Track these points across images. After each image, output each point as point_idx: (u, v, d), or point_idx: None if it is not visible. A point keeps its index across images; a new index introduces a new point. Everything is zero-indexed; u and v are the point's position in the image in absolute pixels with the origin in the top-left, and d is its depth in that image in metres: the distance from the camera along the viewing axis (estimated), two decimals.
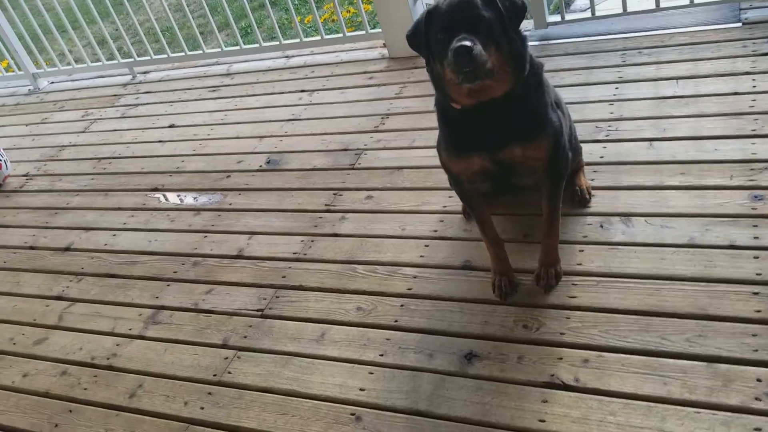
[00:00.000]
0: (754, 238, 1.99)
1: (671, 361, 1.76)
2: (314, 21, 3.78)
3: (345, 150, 3.00)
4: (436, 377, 1.93)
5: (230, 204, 2.92)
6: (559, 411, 1.74)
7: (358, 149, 2.97)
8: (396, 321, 2.14)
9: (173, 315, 2.45)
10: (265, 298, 2.39)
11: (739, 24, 2.84)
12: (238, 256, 2.62)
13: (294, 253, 2.54)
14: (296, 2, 5.57)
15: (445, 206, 2.50)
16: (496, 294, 2.10)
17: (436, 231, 2.42)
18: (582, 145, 2.33)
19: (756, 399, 1.61)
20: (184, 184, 3.16)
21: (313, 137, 3.16)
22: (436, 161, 2.67)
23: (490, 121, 1.86)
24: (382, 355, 2.04)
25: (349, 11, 4.99)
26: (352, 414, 1.91)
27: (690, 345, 1.78)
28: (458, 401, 1.84)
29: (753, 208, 2.07)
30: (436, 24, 1.76)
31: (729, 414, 1.61)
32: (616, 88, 2.77)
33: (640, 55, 2.90)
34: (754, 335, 1.75)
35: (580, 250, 2.15)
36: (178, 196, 3.09)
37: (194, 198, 3.04)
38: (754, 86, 2.51)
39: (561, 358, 1.86)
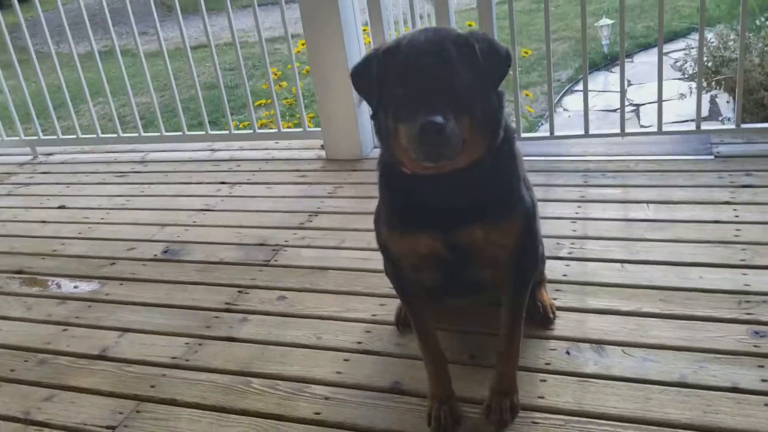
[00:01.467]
0: (762, 381, 1.56)
1: None
2: (248, 113, 3.42)
3: (261, 245, 2.51)
4: None
5: (107, 294, 2.34)
6: None
7: (276, 245, 2.49)
8: None
9: None
10: (121, 413, 1.78)
11: (711, 156, 2.62)
12: (100, 357, 2.02)
13: (173, 358, 1.96)
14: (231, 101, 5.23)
15: (374, 314, 2.01)
16: (432, 427, 1.57)
17: (360, 343, 1.91)
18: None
19: None
20: (57, 269, 2.57)
21: (226, 229, 2.67)
22: (369, 264, 2.25)
23: (447, 193, 1.44)
24: None
25: (290, 124, 4.69)
26: None
27: None
28: None
29: (755, 346, 1.67)
30: (395, 72, 1.36)
31: None
32: (579, 206, 2.44)
33: (604, 177, 2.62)
34: None
35: (542, 380, 1.68)
36: (46, 281, 2.50)
37: (60, 285, 2.45)
38: (737, 216, 2.22)
39: None
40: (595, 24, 6.58)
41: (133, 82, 3.68)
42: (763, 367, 1.60)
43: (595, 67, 6.31)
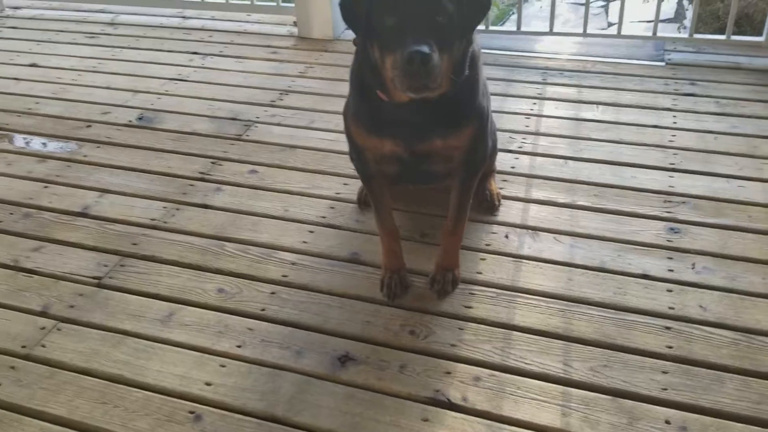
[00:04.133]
0: (669, 270, 1.83)
1: (573, 390, 1.53)
2: None
3: (233, 119, 2.64)
4: (301, 379, 1.60)
5: (85, 156, 2.47)
6: None
7: (248, 121, 2.62)
8: (263, 310, 1.79)
9: None
10: (106, 265, 1.97)
11: (663, 63, 2.79)
12: (82, 214, 2.18)
13: (152, 220, 2.14)
14: None
15: (338, 192, 2.20)
16: (384, 293, 1.81)
17: (324, 217, 2.11)
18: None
19: None
20: (34, 128, 2.66)
21: (198, 101, 2.78)
22: (336, 146, 2.42)
23: (414, 115, 1.59)
24: (239, 347, 1.69)
25: None
26: (191, 412, 1.53)
27: (594, 375, 1.56)
28: (324, 409, 1.52)
29: (669, 241, 1.92)
30: (387, 3, 1.43)
31: None
32: (534, 103, 2.61)
33: (562, 76, 2.78)
34: (664, 372, 1.56)
35: (481, 259, 1.92)
36: (24, 138, 2.60)
37: (42, 143, 2.56)
38: (675, 122, 2.43)
39: (449, 373, 1.59)
40: None
41: None
42: (672, 259, 1.87)
43: None
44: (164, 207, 2.19)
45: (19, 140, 2.60)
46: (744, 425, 1.44)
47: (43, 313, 1.82)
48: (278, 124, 2.60)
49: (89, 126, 2.65)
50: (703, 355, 1.59)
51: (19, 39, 3.46)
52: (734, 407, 1.47)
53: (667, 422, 1.45)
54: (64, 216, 2.18)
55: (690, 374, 1.55)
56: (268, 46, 3.20)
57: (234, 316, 1.78)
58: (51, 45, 3.36)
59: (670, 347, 1.61)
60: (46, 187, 2.32)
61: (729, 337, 1.63)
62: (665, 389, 1.52)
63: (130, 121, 2.67)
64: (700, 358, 1.59)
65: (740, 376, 1.54)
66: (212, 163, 2.39)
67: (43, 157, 2.48)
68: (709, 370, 1.56)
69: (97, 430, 1.51)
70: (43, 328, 1.77)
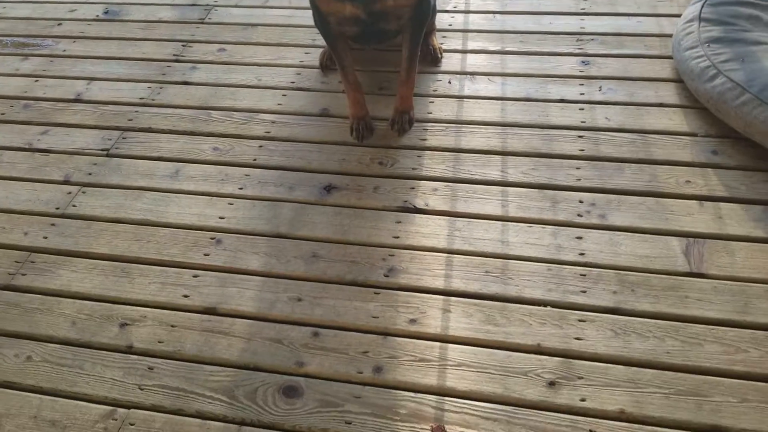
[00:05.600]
0: (581, 94, 2.25)
1: (509, 188, 1.97)
2: None
3: (193, 5, 2.88)
4: (296, 206, 1.99)
5: (64, 50, 2.70)
6: (411, 229, 1.89)
7: (207, 5, 2.87)
8: (255, 159, 2.15)
9: (3, 154, 2.26)
10: (110, 139, 2.28)
11: None
12: (77, 100, 2.46)
13: (141, 98, 2.43)
14: None
15: (302, 61, 2.52)
16: (353, 136, 2.19)
17: (293, 82, 2.44)
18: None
19: (578, 215, 1.87)
20: (8, 30, 2.85)
21: None
22: (294, 21, 2.72)
23: None
24: (241, 189, 2.06)
25: None
26: (212, 238, 1.92)
27: (524, 176, 2.00)
28: (318, 224, 1.93)
29: (581, 71, 2.33)
30: None
31: (556, 227, 1.85)
32: None
33: None
34: (578, 168, 2.01)
35: (431, 102, 2.30)
36: (1, 41, 2.79)
37: (21, 43, 2.77)
38: None
39: (413, 188, 2.00)
40: None
41: None
42: (583, 85, 2.28)
43: None
44: (149, 87, 2.48)
45: None
46: (638, 197, 1.91)
47: (66, 182, 2.14)
48: (236, 6, 2.85)
49: (60, 24, 2.86)
50: (608, 152, 2.04)
51: None
52: (631, 185, 1.94)
53: (581, 201, 1.91)
54: (61, 103, 2.45)
55: (598, 167, 2.00)
56: None
57: (231, 167, 2.14)
58: None
59: (582, 150, 2.06)
60: (36, 81, 2.56)
61: (628, 138, 2.08)
62: (579, 180, 1.97)
63: (98, 15, 2.88)
64: (605, 155, 2.04)
65: (636, 164, 2.00)
66: (183, 45, 2.66)
67: (25, 55, 2.70)
68: (612, 163, 2.01)
69: (137, 259, 1.89)
70: (70, 193, 2.10)
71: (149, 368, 1.61)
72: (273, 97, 2.39)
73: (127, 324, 1.71)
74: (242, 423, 1.50)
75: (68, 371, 1.62)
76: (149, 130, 2.31)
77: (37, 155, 2.25)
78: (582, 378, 1.51)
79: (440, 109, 2.27)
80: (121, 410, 1.54)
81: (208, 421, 1.51)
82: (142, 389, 1.57)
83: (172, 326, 1.70)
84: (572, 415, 1.45)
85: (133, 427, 1.51)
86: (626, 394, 1.47)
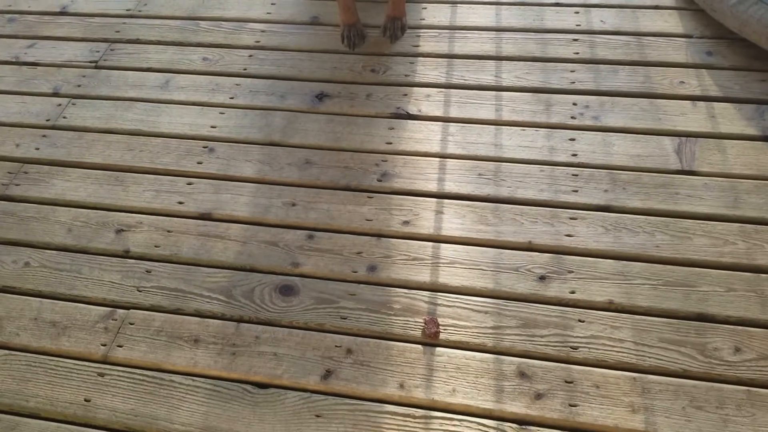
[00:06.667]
0: None
1: (503, 93, 1.96)
2: None
3: None
4: (288, 114, 1.98)
5: None
6: (404, 135, 1.88)
7: None
8: (245, 69, 2.12)
9: None
10: (98, 51, 2.25)
11: None
12: (62, 13, 2.40)
13: (127, 10, 2.38)
14: None
15: None
16: (345, 44, 2.15)
17: None
18: None
19: (572, 117, 1.86)
20: None
21: None
22: None
23: None
24: (232, 98, 2.04)
25: None
26: (205, 147, 1.91)
27: (518, 80, 1.98)
28: (311, 132, 1.92)
29: None
30: None
31: (549, 129, 1.85)
32: None
33: None
34: (572, 71, 1.98)
35: (423, 8, 2.25)
36: None
37: None
38: None
39: (406, 95, 1.98)
40: None
41: None
42: None
43: None
44: None
45: None
46: (631, 99, 1.89)
47: (55, 94, 2.12)
48: None
49: None
50: (603, 55, 2.02)
51: None
52: (625, 87, 1.92)
53: (574, 104, 1.90)
54: (46, 16, 2.40)
55: (592, 70, 1.98)
56: None
57: (221, 77, 2.11)
58: None
59: (577, 53, 2.03)
60: None
61: (623, 40, 2.05)
62: (573, 83, 1.95)
63: None
64: (600, 58, 2.01)
65: (631, 66, 1.98)
66: None
67: None
68: (607, 65, 1.99)
69: (131, 168, 1.89)
70: (60, 105, 2.08)
71: (147, 271, 1.64)
72: (262, 6, 2.34)
73: (123, 230, 1.73)
74: (240, 320, 1.53)
75: (66, 275, 1.65)
76: (137, 41, 2.27)
77: (24, 68, 2.22)
78: (572, 272, 1.54)
79: (433, 15, 2.22)
80: (120, 311, 1.57)
81: (207, 319, 1.54)
82: (140, 291, 1.60)
83: (168, 231, 1.71)
84: (562, 306, 1.49)
85: (132, 326, 1.54)
86: (615, 286, 1.51)
